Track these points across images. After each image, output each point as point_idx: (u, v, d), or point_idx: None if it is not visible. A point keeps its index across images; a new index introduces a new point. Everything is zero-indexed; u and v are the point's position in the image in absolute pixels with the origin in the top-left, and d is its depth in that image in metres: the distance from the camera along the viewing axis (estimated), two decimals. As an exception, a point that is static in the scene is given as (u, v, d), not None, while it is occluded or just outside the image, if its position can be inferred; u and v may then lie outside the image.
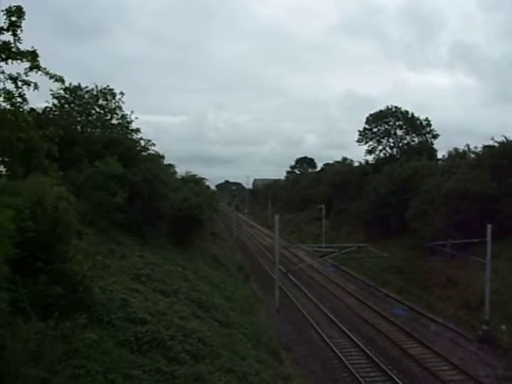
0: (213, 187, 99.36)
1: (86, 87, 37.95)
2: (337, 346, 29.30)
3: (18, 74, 12.18)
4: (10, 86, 12.22)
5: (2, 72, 12.03)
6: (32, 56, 12.19)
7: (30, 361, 11.40)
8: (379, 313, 36.97)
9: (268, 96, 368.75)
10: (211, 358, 16.65)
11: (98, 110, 38.61)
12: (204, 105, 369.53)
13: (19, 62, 12.24)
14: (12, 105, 12.22)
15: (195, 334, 17.79)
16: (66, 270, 14.98)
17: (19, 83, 12.15)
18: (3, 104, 12.25)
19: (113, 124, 39.30)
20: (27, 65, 12.24)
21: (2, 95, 12.12)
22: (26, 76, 12.22)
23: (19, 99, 12.30)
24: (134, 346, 15.02)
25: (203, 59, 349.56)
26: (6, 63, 12.14)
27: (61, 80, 13.17)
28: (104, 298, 16.89)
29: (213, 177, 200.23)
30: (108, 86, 38.57)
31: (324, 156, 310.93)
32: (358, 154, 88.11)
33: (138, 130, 38.74)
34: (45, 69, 12.46)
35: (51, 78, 12.73)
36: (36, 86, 12.32)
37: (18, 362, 10.96)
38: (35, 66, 12.25)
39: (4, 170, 14.18)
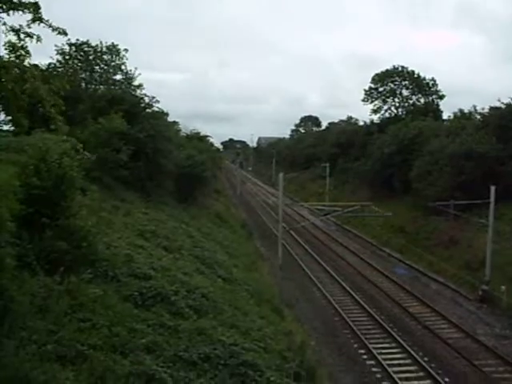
0: (218, 145, 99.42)
1: (91, 45, 37.68)
2: (338, 304, 29.69)
3: (21, 25, 11.98)
4: (12, 38, 12.05)
5: (4, 24, 11.85)
6: (34, 8, 11.96)
7: (37, 314, 11.65)
8: (381, 271, 37.31)
9: (271, 54, 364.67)
10: (214, 313, 16.90)
11: (102, 66, 38.34)
12: (206, 62, 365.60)
13: (21, 13, 12.03)
14: (17, 57, 12.07)
15: (198, 290, 18.03)
16: (70, 226, 15.13)
17: (22, 35, 11.96)
18: (7, 56, 12.11)
19: (116, 80, 39.07)
20: (29, 17, 12.04)
21: (7, 47, 11.96)
22: (29, 28, 12.02)
23: (23, 52, 12.14)
24: (139, 300, 15.26)
25: (205, 16, 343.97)
26: (8, 15, 11.95)
27: (64, 33, 12.91)
28: (108, 254, 17.09)
29: (217, 135, 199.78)
30: (113, 42, 38.35)
31: (327, 115, 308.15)
32: (361, 113, 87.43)
33: (140, 86, 38.50)
34: (47, 21, 12.24)
35: (54, 30, 12.49)
36: (39, 39, 12.11)
37: (25, 314, 11.21)
38: (37, 18, 12.02)
39: (9, 125, 14.13)
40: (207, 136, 68.96)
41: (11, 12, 11.93)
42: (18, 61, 12.03)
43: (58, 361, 10.53)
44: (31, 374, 9.49)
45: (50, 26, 12.33)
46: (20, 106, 12.28)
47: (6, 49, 11.95)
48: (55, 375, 9.88)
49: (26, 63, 12.16)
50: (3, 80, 11.70)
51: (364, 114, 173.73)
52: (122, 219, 24.13)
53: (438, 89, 74.41)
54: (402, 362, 22.07)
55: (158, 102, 37.51)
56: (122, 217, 24.60)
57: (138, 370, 11.44)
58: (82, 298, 13.26)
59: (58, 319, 11.84)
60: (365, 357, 22.68)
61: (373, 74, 77.98)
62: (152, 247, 21.76)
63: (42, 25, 12.18)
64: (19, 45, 11.96)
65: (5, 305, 10.86)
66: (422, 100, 75.05)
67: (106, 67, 38.77)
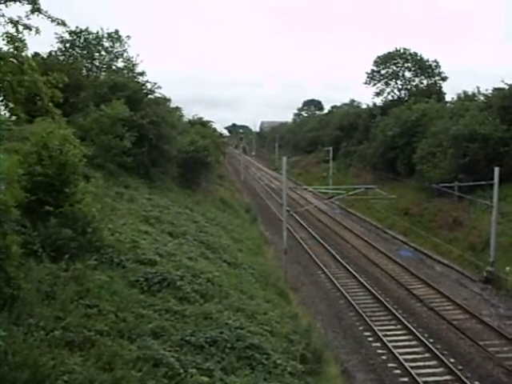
0: (223, 130, 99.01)
1: (91, 32, 37.59)
2: (343, 287, 29.76)
3: (19, 17, 11.88)
4: (10, 30, 11.94)
5: (3, 15, 11.75)
6: None
7: (44, 301, 11.74)
8: (386, 254, 37.34)
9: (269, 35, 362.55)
10: (220, 298, 16.98)
11: (103, 53, 38.25)
12: (205, 47, 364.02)
13: (19, 3, 11.94)
14: (15, 48, 11.97)
15: (204, 275, 18.09)
16: (74, 213, 15.20)
17: (20, 27, 11.84)
18: (5, 48, 12.02)
19: (118, 67, 38.97)
20: (28, 8, 11.93)
21: (5, 38, 11.86)
22: (28, 20, 11.91)
23: (20, 44, 12.02)
24: (145, 286, 15.35)
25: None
26: (6, 6, 11.86)
27: (63, 24, 12.83)
28: (113, 240, 17.16)
29: (220, 120, 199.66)
30: (116, 29, 38.30)
31: (330, 99, 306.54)
32: (363, 96, 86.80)
33: (143, 73, 38.42)
34: (46, 12, 12.14)
35: (53, 21, 12.40)
36: (37, 31, 12.01)
37: (32, 302, 11.29)
38: (36, 10, 11.92)
39: (8, 115, 14.07)
40: (210, 121, 68.64)
41: (10, 3, 11.84)
42: (16, 52, 11.91)
43: (65, 346, 10.63)
44: (40, 359, 9.58)
45: (49, 17, 12.22)
46: (17, 98, 12.19)
47: (3, 40, 11.85)
48: (63, 360, 9.99)
49: (23, 54, 12.06)
50: (1, 72, 11.61)
51: (365, 97, 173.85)
52: (127, 205, 24.19)
53: (441, 70, 73.97)
54: (407, 343, 22.17)
55: (159, 87, 37.45)
56: (126, 203, 24.65)
57: (146, 354, 11.54)
58: (88, 285, 13.35)
59: (65, 306, 11.93)
60: (370, 339, 22.77)
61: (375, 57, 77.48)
62: (157, 233, 21.83)
63: (40, 15, 12.08)
64: (18, 36, 11.84)
65: (12, 292, 10.95)
66: (425, 82, 74.53)
67: (106, 54, 38.67)
